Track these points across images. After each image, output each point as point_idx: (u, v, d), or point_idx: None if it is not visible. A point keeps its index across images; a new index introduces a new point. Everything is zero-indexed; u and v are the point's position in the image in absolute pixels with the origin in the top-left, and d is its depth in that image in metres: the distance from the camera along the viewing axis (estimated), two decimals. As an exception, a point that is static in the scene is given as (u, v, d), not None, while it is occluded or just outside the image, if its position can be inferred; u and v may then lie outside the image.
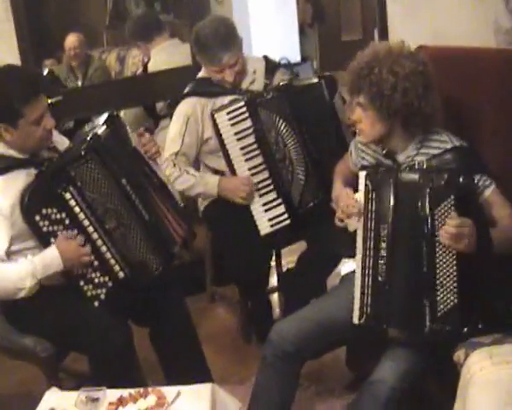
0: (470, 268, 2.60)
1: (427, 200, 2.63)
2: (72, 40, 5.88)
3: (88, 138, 3.10)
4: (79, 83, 5.87)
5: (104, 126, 3.16)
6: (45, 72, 5.48)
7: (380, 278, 2.77)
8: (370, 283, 2.80)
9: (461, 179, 2.60)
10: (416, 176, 2.68)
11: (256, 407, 3.03)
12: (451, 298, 2.62)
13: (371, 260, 2.78)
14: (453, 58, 3.40)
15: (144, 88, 4.87)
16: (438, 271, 2.63)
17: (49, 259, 3.00)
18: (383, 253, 2.76)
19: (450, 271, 2.61)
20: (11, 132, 2.99)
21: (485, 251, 2.61)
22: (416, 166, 2.75)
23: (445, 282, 2.62)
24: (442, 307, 2.63)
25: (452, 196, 2.58)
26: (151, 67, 5.12)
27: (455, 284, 2.60)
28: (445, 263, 2.61)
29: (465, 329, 2.61)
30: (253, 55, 4.08)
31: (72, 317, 3.09)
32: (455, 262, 2.60)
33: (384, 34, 4.42)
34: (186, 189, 3.87)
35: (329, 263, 3.72)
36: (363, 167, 2.90)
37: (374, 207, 2.77)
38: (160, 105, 5.14)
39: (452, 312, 2.62)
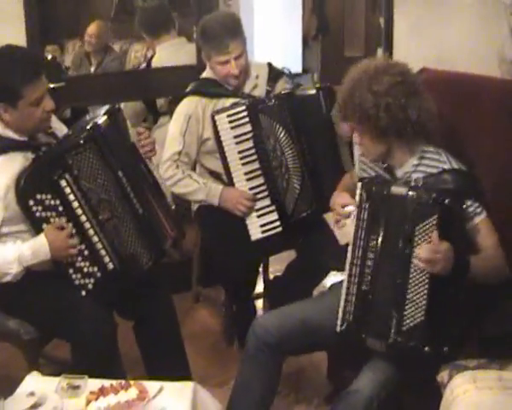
0: (442, 290, 2.61)
1: (411, 214, 2.65)
2: (93, 27, 5.96)
3: (88, 127, 3.10)
4: (92, 70, 5.89)
5: (105, 117, 3.16)
6: (49, 57, 5.48)
7: (364, 288, 2.79)
8: (355, 291, 2.82)
9: (447, 201, 2.61)
10: (409, 191, 2.69)
11: (238, 398, 3.06)
12: (419, 315, 2.63)
13: (358, 269, 2.81)
14: (455, 83, 3.42)
15: (146, 83, 4.86)
16: (409, 286, 2.65)
17: (37, 247, 3.00)
18: (369, 263, 2.78)
19: (422, 288, 2.62)
20: (10, 113, 2.99)
21: (460, 276, 2.63)
22: (412, 183, 2.78)
23: (415, 298, 2.64)
24: (408, 321, 2.65)
25: (436, 216, 2.60)
26: (155, 63, 5.12)
27: (424, 302, 2.62)
28: (417, 279, 2.63)
29: (426, 348, 2.63)
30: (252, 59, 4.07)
31: (58, 304, 3.08)
32: (427, 281, 2.61)
33: (388, 53, 4.45)
34: (187, 193, 3.89)
35: (317, 274, 3.71)
36: (361, 179, 2.92)
37: (366, 217, 2.79)
38: (160, 102, 5.14)
39: (417, 329, 2.64)
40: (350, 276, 2.83)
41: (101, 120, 3.14)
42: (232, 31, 3.80)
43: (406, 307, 2.65)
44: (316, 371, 3.85)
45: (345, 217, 2.99)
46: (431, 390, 2.58)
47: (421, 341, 2.64)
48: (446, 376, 2.50)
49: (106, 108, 3.24)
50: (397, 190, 2.74)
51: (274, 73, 4.12)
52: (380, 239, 2.75)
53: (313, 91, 3.89)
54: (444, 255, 2.56)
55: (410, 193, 2.68)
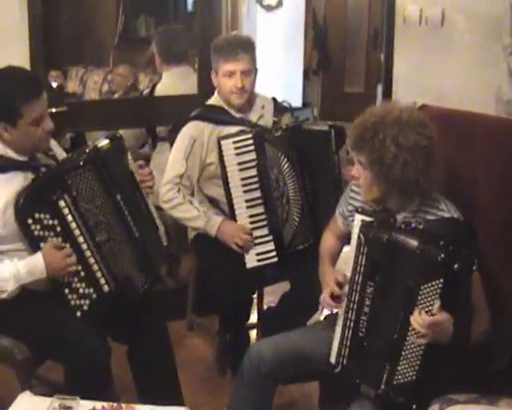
0: (437, 354, 2.59)
1: (418, 272, 2.58)
2: (120, 69, 6.07)
3: (87, 150, 3.13)
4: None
5: (106, 141, 3.20)
6: (54, 84, 5.54)
7: (360, 334, 2.78)
8: (350, 335, 2.81)
9: (456, 266, 2.51)
10: (414, 242, 2.60)
11: None
12: (410, 373, 2.62)
13: (354, 314, 2.78)
14: (454, 120, 3.45)
15: (148, 110, 4.89)
16: (406, 343, 2.61)
17: (34, 265, 3.01)
18: (366, 309, 2.75)
19: (417, 348, 2.59)
20: (10, 131, 3.02)
21: (458, 344, 2.60)
22: (413, 225, 2.71)
23: (409, 356, 2.61)
24: (400, 377, 2.64)
25: (442, 280, 2.51)
26: (159, 90, 5.16)
27: (418, 362, 2.60)
28: (414, 339, 2.58)
29: (414, 406, 2.62)
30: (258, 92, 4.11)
31: (52, 326, 3.08)
32: (424, 343, 2.58)
33: (388, 89, 4.49)
34: (185, 218, 3.90)
35: (311, 306, 3.73)
36: (358, 211, 2.84)
37: (363, 262, 2.74)
38: (159, 127, 5.17)
39: (407, 386, 2.63)
40: (346, 319, 2.81)
41: (102, 143, 3.18)
42: (245, 44, 3.87)
43: (400, 362, 2.63)
44: (307, 402, 3.86)
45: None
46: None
47: (409, 398, 2.63)
48: (437, 409, 2.51)
49: (107, 134, 3.27)
50: (403, 239, 2.66)
51: (279, 107, 4.18)
52: (377, 287, 2.71)
53: (325, 128, 3.91)
54: (441, 328, 2.53)
55: (419, 247, 2.59)
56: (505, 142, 3.16)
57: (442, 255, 2.51)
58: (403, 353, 2.62)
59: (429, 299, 2.54)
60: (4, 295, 3.01)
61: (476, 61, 3.95)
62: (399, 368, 2.64)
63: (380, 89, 4.94)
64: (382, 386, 2.67)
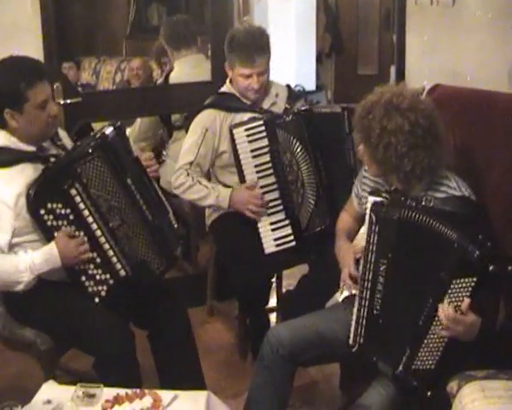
0: (459, 347, 2.57)
1: (453, 266, 2.52)
2: (136, 62, 6.07)
3: (95, 137, 3.16)
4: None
5: (111, 128, 3.21)
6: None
7: (375, 312, 2.79)
8: (365, 314, 2.81)
9: (491, 268, 2.44)
10: (451, 233, 2.53)
11: (252, 407, 3.10)
12: (430, 362, 2.62)
13: (368, 293, 2.79)
14: (468, 99, 3.45)
15: (163, 98, 4.91)
16: (430, 332, 2.60)
17: (48, 255, 3.03)
18: (380, 287, 2.76)
19: (440, 340, 2.58)
20: (17, 119, 3.04)
21: (481, 342, 2.57)
22: (423, 203, 2.73)
23: (431, 345, 2.60)
24: (419, 363, 2.64)
25: (475, 279, 2.47)
26: (173, 78, 5.17)
27: (438, 353, 2.60)
28: (439, 330, 2.56)
29: (429, 393, 2.63)
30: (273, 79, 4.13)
31: (75, 314, 3.11)
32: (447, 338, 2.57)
33: (401, 70, 4.49)
34: (197, 199, 3.91)
35: (330, 288, 3.74)
36: (371, 193, 2.88)
37: (375, 240, 2.76)
38: (175, 116, 5.18)
39: (425, 373, 2.63)
40: (361, 298, 2.82)
41: (108, 130, 3.19)
42: (260, 46, 3.86)
43: (421, 349, 2.62)
44: (328, 383, 3.88)
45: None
46: (441, 400, 2.60)
47: (425, 384, 2.64)
48: (455, 386, 2.51)
49: (109, 123, 3.29)
50: (412, 215, 2.66)
51: (293, 94, 4.18)
52: (390, 265, 2.72)
53: (339, 110, 3.93)
54: (468, 329, 2.50)
55: (452, 236, 2.52)
56: (520, 119, 3.17)
57: (479, 253, 2.45)
58: (425, 341, 2.60)
59: (459, 295, 2.50)
60: (21, 286, 3.03)
61: (489, 39, 3.93)
62: (419, 354, 2.63)
63: (393, 70, 4.93)
64: (400, 368, 2.67)
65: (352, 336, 2.87)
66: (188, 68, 5.19)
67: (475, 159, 3.24)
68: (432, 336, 2.59)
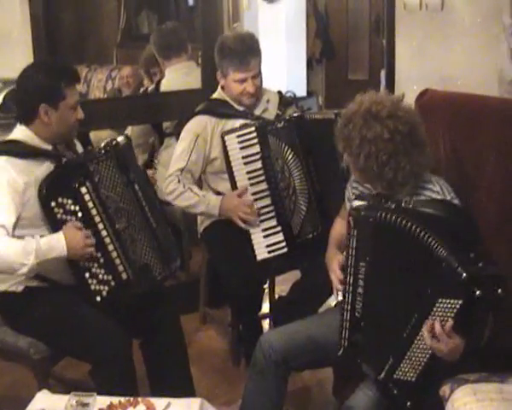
0: (441, 365, 2.56)
1: (440, 285, 2.49)
2: (126, 70, 6.08)
3: (108, 142, 3.25)
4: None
5: (122, 137, 3.34)
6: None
7: (357, 314, 2.80)
8: (348, 317, 2.82)
9: (478, 293, 2.38)
10: (441, 250, 2.47)
11: None
12: (411, 374, 2.62)
13: (350, 296, 2.80)
14: (458, 103, 3.46)
15: (154, 106, 4.92)
16: (413, 346, 2.59)
17: (55, 241, 3.05)
18: (360, 290, 2.77)
19: (423, 355, 2.58)
20: (50, 114, 3.12)
21: (465, 362, 2.57)
22: (403, 205, 2.74)
23: (413, 359, 2.60)
24: (400, 373, 2.64)
25: (461, 302, 2.43)
26: (164, 86, 5.17)
27: (420, 367, 2.59)
28: (422, 345, 2.56)
29: (408, 403, 2.63)
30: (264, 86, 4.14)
31: (71, 321, 3.14)
32: (430, 352, 2.56)
33: (391, 75, 4.50)
34: (188, 206, 3.91)
35: (322, 294, 3.75)
36: (357, 197, 2.94)
37: (354, 244, 2.76)
38: (166, 123, 5.19)
39: (405, 384, 2.64)
40: (344, 302, 2.83)
41: (120, 138, 3.32)
42: (252, 49, 3.88)
43: (403, 361, 2.63)
44: (321, 388, 3.89)
45: None
46: (433, 405, 2.61)
47: (405, 394, 2.65)
48: (448, 390, 2.52)
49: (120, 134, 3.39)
50: (392, 218, 2.63)
51: (285, 100, 4.19)
52: (370, 267, 2.72)
53: (332, 116, 3.93)
54: (450, 349, 2.48)
55: (442, 253, 2.47)
56: (509, 123, 3.17)
57: (464, 275, 2.40)
58: (408, 353, 2.61)
59: (444, 314, 2.48)
60: (25, 269, 3.00)
61: (478, 43, 3.96)
62: (401, 366, 2.64)
63: (383, 75, 4.95)
64: (383, 374, 2.69)
65: (338, 340, 2.87)
66: (179, 76, 5.19)
67: (466, 163, 3.25)
68: (415, 350, 2.59)
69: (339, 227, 3.30)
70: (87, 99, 6.21)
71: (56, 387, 3.56)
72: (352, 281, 2.79)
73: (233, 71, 3.87)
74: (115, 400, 2.68)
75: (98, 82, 6.82)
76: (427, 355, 2.57)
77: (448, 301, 2.46)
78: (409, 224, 2.56)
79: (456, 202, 2.85)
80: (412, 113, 2.85)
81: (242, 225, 3.78)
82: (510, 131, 3.14)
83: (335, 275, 2.94)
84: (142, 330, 3.36)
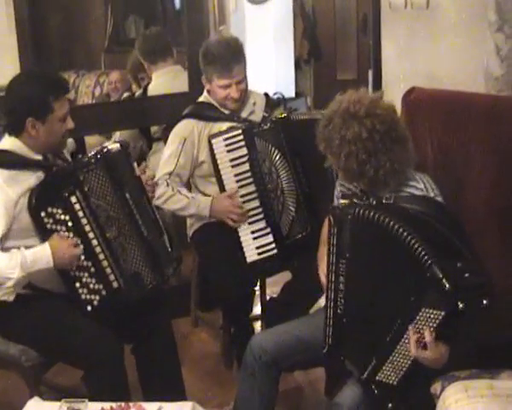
0: (422, 370, 2.56)
1: (423, 295, 2.46)
2: (115, 75, 6.08)
3: (99, 150, 3.24)
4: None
5: (116, 145, 3.32)
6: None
7: (339, 311, 2.81)
8: (332, 315, 2.84)
9: (461, 306, 2.36)
10: (425, 255, 2.44)
11: None
12: (393, 378, 2.62)
13: (332, 293, 2.81)
14: (444, 101, 3.47)
15: (141, 111, 4.91)
16: (396, 350, 2.59)
17: (40, 254, 3.05)
18: (342, 287, 2.78)
19: (405, 360, 2.58)
20: (38, 128, 3.09)
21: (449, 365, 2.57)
22: (384, 201, 2.76)
23: (395, 363, 2.60)
24: (382, 376, 2.65)
25: (443, 313, 2.42)
26: (151, 90, 5.18)
27: (402, 372, 2.60)
28: (404, 351, 2.56)
29: (390, 405, 2.65)
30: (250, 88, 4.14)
31: (62, 327, 3.13)
32: (412, 358, 2.55)
33: (378, 75, 4.50)
34: (178, 209, 3.91)
35: (313, 295, 3.76)
36: (342, 196, 2.98)
37: (335, 241, 2.77)
38: (154, 127, 5.19)
39: (387, 387, 2.65)
40: (327, 300, 2.85)
41: (112, 145, 3.30)
42: (236, 55, 3.87)
43: (386, 364, 2.63)
44: (313, 389, 3.89)
45: None
46: (425, 402, 2.61)
47: (387, 397, 2.66)
48: (439, 387, 2.53)
49: (116, 140, 3.37)
50: (369, 214, 2.63)
51: (271, 102, 4.19)
52: (349, 263, 2.74)
53: (318, 116, 3.91)
54: (434, 357, 2.48)
55: (426, 258, 2.43)
56: (496, 119, 3.19)
57: (449, 287, 2.37)
58: (390, 357, 2.61)
59: (428, 323, 2.47)
60: (11, 282, 3.01)
61: (464, 41, 3.96)
62: (384, 368, 2.64)
63: (370, 74, 4.95)
64: (365, 375, 2.70)
65: (323, 338, 2.89)
66: (166, 80, 5.19)
67: (453, 160, 3.26)
68: (397, 355, 2.60)
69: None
70: (75, 105, 6.19)
71: (48, 394, 3.55)
72: (333, 278, 2.80)
73: (217, 77, 3.88)
74: (107, 405, 2.67)
75: (86, 88, 6.81)
76: (409, 361, 2.57)
77: (431, 311, 2.44)
78: (387, 220, 2.56)
79: (438, 199, 2.86)
80: (391, 110, 2.88)
81: (233, 224, 3.80)
82: (497, 127, 3.16)
83: (324, 275, 2.94)
84: (134, 335, 3.36)
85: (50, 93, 3.08)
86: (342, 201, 2.90)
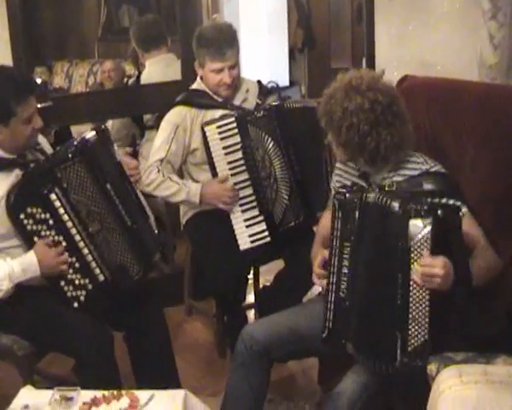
0: (444, 304, 2.59)
1: (405, 232, 2.58)
2: (108, 64, 6.05)
3: (75, 142, 3.17)
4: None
5: (92, 133, 3.22)
6: (38, 80, 5.54)
7: (341, 294, 2.81)
8: (333, 298, 2.83)
9: (440, 212, 2.54)
10: (394, 204, 2.63)
11: (229, 405, 3.11)
12: (422, 334, 2.60)
13: (335, 277, 2.82)
14: (438, 88, 3.47)
15: (134, 99, 4.90)
16: (411, 305, 2.60)
17: (27, 264, 3.03)
18: (345, 270, 2.78)
19: (423, 306, 2.59)
20: (1, 131, 3.04)
21: (462, 287, 2.62)
22: (386, 188, 2.80)
23: (417, 317, 2.60)
24: (413, 341, 2.62)
25: (429, 228, 2.54)
26: (144, 78, 5.19)
27: (427, 320, 2.59)
28: (418, 297, 2.58)
29: (429, 367, 2.62)
30: (244, 76, 4.13)
31: (53, 319, 3.12)
32: (428, 297, 2.57)
33: (371, 63, 4.50)
34: (169, 195, 3.90)
35: (306, 283, 3.75)
36: (340, 188, 2.93)
37: (339, 226, 2.79)
38: (146, 116, 5.19)
39: (423, 347, 2.62)
40: (328, 284, 2.84)
41: (89, 135, 3.20)
42: (229, 39, 3.86)
43: (410, 326, 2.61)
44: (306, 377, 3.90)
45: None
46: (421, 381, 2.61)
47: (427, 359, 2.62)
48: (434, 369, 2.52)
49: (93, 127, 3.30)
50: (373, 198, 2.71)
51: (264, 90, 4.17)
52: (354, 247, 2.76)
53: (314, 105, 3.93)
54: (440, 270, 2.52)
55: (401, 208, 2.61)
56: (490, 107, 3.20)
57: (425, 207, 2.56)
58: (410, 316, 2.60)
59: (422, 251, 2.56)
60: (0, 294, 3.02)
61: (457, 28, 3.96)
62: (410, 332, 2.62)
63: (364, 62, 4.94)
64: (398, 357, 2.64)
65: (322, 322, 2.87)
66: (159, 68, 5.19)
67: (447, 147, 3.27)
68: (414, 307, 2.60)
69: (325, 222, 3.29)
70: (67, 94, 6.19)
71: (41, 383, 3.53)
72: (336, 262, 2.81)
73: (210, 60, 3.86)
74: (99, 393, 2.67)
75: (80, 77, 6.80)
76: (427, 303, 2.58)
77: (419, 237, 2.55)
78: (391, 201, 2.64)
79: (442, 170, 2.91)
80: (391, 88, 2.94)
81: (226, 207, 3.80)
82: (490, 115, 3.17)
83: (315, 273, 2.97)
84: (126, 323, 3.35)
85: (11, 97, 3.00)
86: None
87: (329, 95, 2.88)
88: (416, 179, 2.87)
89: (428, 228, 2.54)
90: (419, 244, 2.56)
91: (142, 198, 3.47)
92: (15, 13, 4.25)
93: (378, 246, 2.71)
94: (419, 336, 2.62)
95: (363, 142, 2.82)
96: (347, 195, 2.80)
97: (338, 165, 3.20)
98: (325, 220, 3.26)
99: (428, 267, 2.54)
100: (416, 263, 2.57)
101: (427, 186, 2.83)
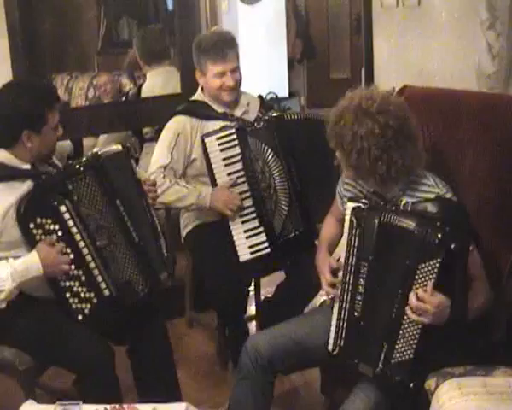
0: (434, 332, 2.60)
1: (416, 252, 2.60)
2: (103, 78, 6.05)
3: (89, 157, 3.22)
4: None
5: (110, 149, 3.31)
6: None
7: (356, 314, 2.80)
8: (346, 317, 2.83)
9: (453, 246, 2.53)
10: (411, 223, 2.63)
11: None
12: (408, 352, 2.63)
13: (349, 295, 2.81)
14: (436, 98, 3.47)
15: (133, 112, 4.91)
16: (404, 322, 2.63)
17: (29, 263, 3.02)
18: (361, 289, 2.77)
19: (415, 327, 2.61)
20: (33, 139, 3.08)
21: (455, 323, 2.62)
22: (401, 208, 2.75)
23: (406, 335, 2.62)
24: (397, 355, 2.66)
25: (439, 260, 2.54)
26: (145, 91, 5.20)
27: (415, 341, 2.62)
28: (410, 316, 2.60)
29: (412, 384, 2.65)
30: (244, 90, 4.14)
31: (54, 334, 3.11)
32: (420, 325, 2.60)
33: (370, 73, 4.51)
34: (177, 199, 3.87)
35: (307, 294, 3.77)
36: (350, 199, 2.90)
37: (356, 243, 2.77)
38: (146, 128, 5.20)
39: (405, 364, 2.65)
40: (341, 301, 2.83)
41: (103, 151, 3.27)
42: (229, 42, 3.89)
43: (397, 341, 2.65)
44: (309, 389, 3.88)
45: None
46: (420, 397, 2.61)
47: (407, 378, 2.66)
48: (433, 384, 2.53)
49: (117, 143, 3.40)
50: (391, 218, 2.71)
51: (266, 105, 4.20)
52: (371, 267, 2.74)
53: (311, 116, 3.95)
54: (436, 309, 2.54)
55: (412, 225, 2.63)
56: (489, 117, 3.18)
57: (440, 236, 2.54)
58: (400, 331, 2.63)
59: (427, 279, 2.56)
60: (2, 295, 3.01)
61: (455, 39, 3.97)
62: (397, 346, 2.65)
63: (363, 73, 4.96)
64: (380, 365, 2.69)
65: (332, 339, 2.88)
66: (160, 81, 5.20)
67: (445, 158, 3.26)
68: (406, 326, 2.63)
69: (329, 227, 3.29)
70: (68, 107, 6.18)
71: (43, 397, 3.54)
72: (352, 280, 2.80)
73: (211, 64, 3.86)
74: (101, 407, 2.67)
75: (80, 90, 6.79)
76: (419, 327, 2.60)
77: (427, 264, 2.56)
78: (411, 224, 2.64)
79: (454, 198, 2.88)
80: (402, 107, 2.86)
81: (230, 215, 3.78)
82: (489, 125, 3.16)
83: (325, 279, 2.95)
84: (129, 337, 3.35)
85: (45, 105, 3.08)
86: (350, 204, 2.85)
87: (338, 115, 2.81)
88: (428, 203, 2.81)
89: (439, 259, 2.54)
90: (426, 271, 2.56)
91: (156, 220, 3.47)
92: (15, 26, 4.26)
93: (391, 263, 2.71)
94: (404, 353, 2.65)
95: (374, 166, 2.76)
96: (364, 213, 2.78)
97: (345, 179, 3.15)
98: (329, 226, 3.28)
99: (423, 303, 2.54)
100: (417, 290, 2.57)
101: (439, 212, 2.76)
